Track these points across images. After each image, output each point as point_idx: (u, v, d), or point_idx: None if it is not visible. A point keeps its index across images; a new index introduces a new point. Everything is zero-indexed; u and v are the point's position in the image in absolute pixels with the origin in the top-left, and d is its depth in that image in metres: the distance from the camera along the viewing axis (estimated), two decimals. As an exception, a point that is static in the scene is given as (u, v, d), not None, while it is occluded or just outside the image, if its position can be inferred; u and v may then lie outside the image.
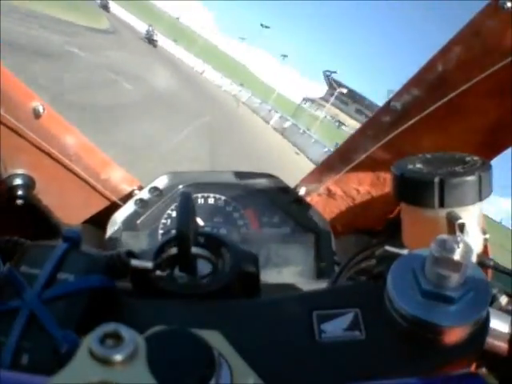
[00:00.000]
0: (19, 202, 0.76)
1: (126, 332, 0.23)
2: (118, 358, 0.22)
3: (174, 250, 0.49)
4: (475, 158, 0.50)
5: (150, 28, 29.02)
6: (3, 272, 0.39)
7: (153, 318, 0.37)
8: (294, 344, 0.36)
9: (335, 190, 0.84)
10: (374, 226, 0.80)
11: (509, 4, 0.51)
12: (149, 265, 0.46)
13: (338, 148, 0.83)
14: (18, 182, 0.75)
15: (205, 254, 0.51)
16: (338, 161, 0.82)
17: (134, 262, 0.45)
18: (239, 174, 0.84)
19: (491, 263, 0.54)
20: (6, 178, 0.74)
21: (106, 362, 0.23)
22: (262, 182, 0.83)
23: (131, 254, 0.47)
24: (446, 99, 0.61)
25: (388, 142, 0.71)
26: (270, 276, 0.76)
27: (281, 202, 0.81)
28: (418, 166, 0.51)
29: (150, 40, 27.89)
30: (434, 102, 0.63)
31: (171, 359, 0.26)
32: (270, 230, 0.81)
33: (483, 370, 0.32)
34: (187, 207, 0.46)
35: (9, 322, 0.35)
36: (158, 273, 0.47)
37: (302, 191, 0.87)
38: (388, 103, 0.68)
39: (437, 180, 0.46)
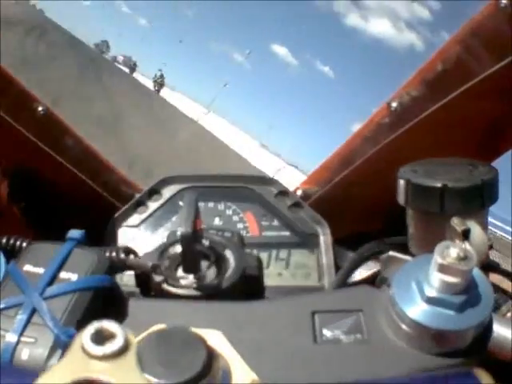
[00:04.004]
0: (18, 204, 0.76)
1: (116, 328, 0.24)
2: (109, 353, 0.23)
3: (178, 251, 0.50)
4: (481, 164, 0.50)
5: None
6: (7, 270, 0.40)
7: (155, 317, 0.37)
8: (296, 346, 0.36)
9: (335, 192, 0.84)
10: (375, 229, 0.79)
11: (504, 0, 0.51)
12: (147, 264, 0.46)
13: (338, 150, 0.83)
14: (18, 183, 0.75)
15: (209, 255, 0.51)
16: (338, 163, 0.82)
17: (132, 260, 0.46)
18: (238, 177, 0.84)
19: (492, 266, 0.53)
20: (7, 180, 0.74)
21: (97, 357, 0.23)
22: (261, 186, 0.83)
23: (130, 251, 0.47)
24: (445, 100, 0.61)
25: (387, 143, 0.71)
26: (270, 279, 0.76)
27: (280, 205, 0.81)
28: (423, 171, 0.51)
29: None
30: (434, 102, 0.62)
31: (170, 358, 0.26)
32: (269, 234, 0.81)
33: (478, 369, 0.32)
34: (193, 209, 0.47)
35: (10, 317, 0.36)
36: (161, 273, 0.48)
37: (301, 194, 0.87)
38: (387, 104, 0.68)
39: (441, 186, 0.47)
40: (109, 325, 0.24)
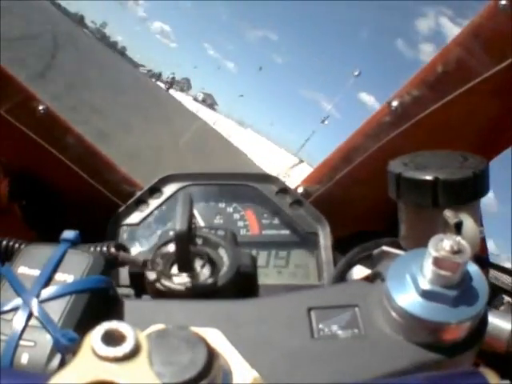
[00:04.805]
0: (19, 202, 0.76)
1: (127, 329, 0.24)
2: (120, 355, 0.23)
3: (172, 250, 0.50)
4: (472, 156, 0.50)
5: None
6: (2, 273, 0.39)
7: (151, 317, 0.37)
8: (293, 343, 0.36)
9: (336, 190, 0.84)
10: (375, 227, 0.80)
11: (503, 1, 0.51)
12: (139, 259, 0.46)
13: (338, 148, 0.83)
14: (19, 182, 0.75)
15: (203, 253, 0.51)
16: (338, 161, 0.82)
17: (123, 255, 0.46)
18: (239, 175, 0.84)
19: (488, 261, 0.54)
20: (6, 179, 0.74)
21: (108, 359, 0.23)
22: (262, 184, 0.83)
23: (121, 247, 0.47)
24: (446, 99, 0.61)
25: (388, 141, 0.71)
26: (270, 278, 0.76)
27: (281, 203, 0.81)
28: (414, 164, 0.50)
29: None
30: (434, 102, 0.63)
31: (170, 357, 0.26)
32: (270, 232, 0.81)
33: (485, 368, 0.32)
34: (187, 207, 0.46)
35: (8, 321, 0.35)
36: (154, 269, 0.48)
37: (302, 192, 0.87)
38: (388, 103, 0.69)
39: (432, 179, 0.46)
40: (119, 325, 0.24)
